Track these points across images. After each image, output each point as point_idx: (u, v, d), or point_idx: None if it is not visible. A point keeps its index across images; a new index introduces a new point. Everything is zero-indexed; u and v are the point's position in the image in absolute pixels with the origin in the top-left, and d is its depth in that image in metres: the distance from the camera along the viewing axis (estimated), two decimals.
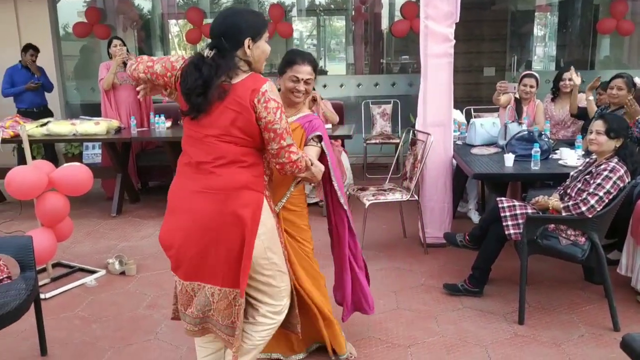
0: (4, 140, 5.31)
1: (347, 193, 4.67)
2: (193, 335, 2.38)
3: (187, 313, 2.30)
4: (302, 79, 2.55)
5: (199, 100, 2.04)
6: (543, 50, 10.02)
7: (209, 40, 2.13)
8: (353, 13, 9.36)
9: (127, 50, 5.88)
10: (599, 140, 3.18)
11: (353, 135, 5.56)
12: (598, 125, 3.20)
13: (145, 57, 2.30)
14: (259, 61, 2.16)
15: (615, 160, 3.11)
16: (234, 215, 2.10)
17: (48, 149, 6.76)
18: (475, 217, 5.05)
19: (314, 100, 2.79)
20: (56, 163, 5.86)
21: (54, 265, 4.11)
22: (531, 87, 4.97)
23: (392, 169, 5.07)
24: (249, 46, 2.09)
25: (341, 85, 8.41)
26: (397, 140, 6.79)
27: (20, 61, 6.50)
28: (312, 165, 2.30)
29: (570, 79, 5.04)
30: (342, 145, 6.17)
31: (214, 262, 2.16)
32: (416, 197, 4.33)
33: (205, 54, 2.07)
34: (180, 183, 2.20)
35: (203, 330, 2.33)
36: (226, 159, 2.09)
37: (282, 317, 2.36)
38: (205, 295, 2.22)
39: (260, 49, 2.13)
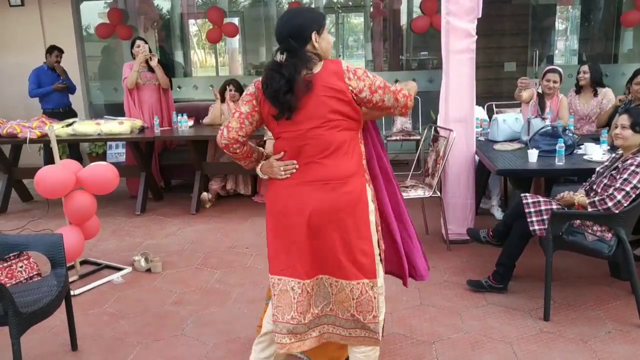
0: (31, 141, 5.42)
1: None
2: (298, 349, 2.29)
3: (306, 319, 2.25)
4: None
5: (287, 98, 2.10)
6: (565, 44, 9.90)
7: (277, 47, 2.22)
8: (372, 10, 9.35)
9: (150, 50, 5.97)
10: (624, 134, 3.14)
11: None
12: (623, 119, 3.16)
13: (223, 132, 2.26)
14: (326, 51, 2.23)
15: None
16: (346, 201, 2.17)
17: (73, 148, 6.88)
18: (498, 214, 5.03)
19: None
20: (81, 162, 5.99)
21: (82, 263, 4.20)
22: (554, 82, 4.92)
23: (413, 165, 5.06)
24: (316, 40, 2.17)
25: None
26: (418, 137, 6.77)
27: (45, 62, 6.61)
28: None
29: (585, 72, 5.01)
30: None
31: (336, 253, 2.20)
32: (438, 194, 4.32)
33: (278, 59, 2.15)
34: (286, 184, 2.23)
35: (312, 340, 2.29)
36: (332, 147, 2.16)
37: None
38: (325, 286, 2.26)
39: (325, 40, 2.22)
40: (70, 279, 3.87)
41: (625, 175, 3.03)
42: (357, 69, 2.17)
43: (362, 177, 2.25)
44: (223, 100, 5.99)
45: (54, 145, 3.93)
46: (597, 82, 5.06)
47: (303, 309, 2.23)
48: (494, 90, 8.24)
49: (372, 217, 2.27)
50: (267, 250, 2.30)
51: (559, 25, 9.72)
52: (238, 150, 2.30)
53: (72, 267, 4.02)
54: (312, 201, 2.17)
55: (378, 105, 2.21)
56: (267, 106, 2.18)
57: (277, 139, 2.27)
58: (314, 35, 2.17)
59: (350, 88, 2.14)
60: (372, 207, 2.27)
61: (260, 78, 2.20)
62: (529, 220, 3.30)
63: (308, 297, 2.24)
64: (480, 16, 4.14)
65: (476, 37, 4.16)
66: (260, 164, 2.37)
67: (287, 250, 2.22)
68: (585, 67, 5.07)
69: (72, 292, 3.59)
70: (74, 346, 3.04)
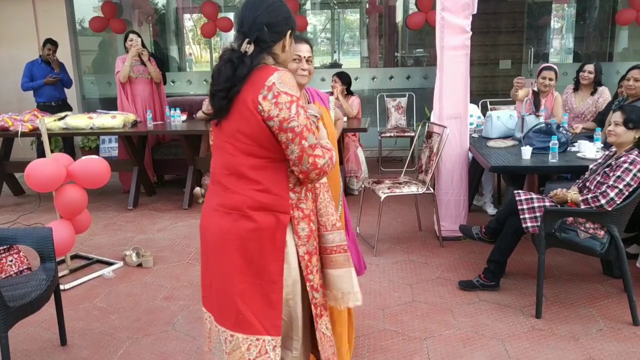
0: (23, 134, 5.38)
1: (363, 186, 4.67)
2: None
3: None
4: (304, 57, 2.33)
5: (222, 103, 1.77)
6: (560, 42, 9.90)
7: (233, 33, 1.96)
8: (367, 6, 9.32)
9: (143, 44, 5.93)
10: (617, 131, 3.14)
11: (368, 129, 5.55)
12: (616, 116, 3.16)
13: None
14: (288, 60, 1.91)
15: (636, 152, 3.07)
16: (252, 236, 1.81)
17: (66, 142, 6.84)
18: (491, 210, 5.03)
19: None
20: (73, 156, 5.95)
21: (72, 257, 4.17)
22: (550, 79, 4.91)
23: (407, 162, 5.05)
24: (287, 41, 1.85)
25: (356, 79, 8.38)
26: (412, 134, 6.76)
27: (40, 56, 6.57)
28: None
29: (590, 72, 4.98)
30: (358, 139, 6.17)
31: (223, 295, 1.87)
32: (432, 190, 4.31)
33: (243, 49, 1.76)
34: (206, 199, 1.98)
35: None
36: (237, 171, 1.80)
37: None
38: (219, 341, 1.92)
39: (292, 47, 1.91)
40: (61, 273, 3.86)
41: (618, 173, 3.02)
42: (284, 93, 1.71)
43: (280, 217, 1.83)
44: None
45: (45, 139, 3.89)
46: (597, 82, 5.06)
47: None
48: (489, 88, 8.26)
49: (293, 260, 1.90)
50: None
51: (555, 23, 9.71)
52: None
53: (63, 261, 3.99)
54: (213, 227, 1.88)
55: (285, 148, 1.76)
56: None
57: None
58: (289, 34, 1.85)
59: (260, 108, 1.71)
60: (292, 258, 1.89)
61: (223, 54, 1.84)
62: (521, 217, 3.29)
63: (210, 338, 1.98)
64: (475, 12, 4.12)
65: (471, 33, 4.15)
66: None
67: (203, 276, 2.02)
68: (591, 67, 5.01)
69: (62, 287, 3.57)
70: (63, 341, 3.01)
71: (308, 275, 1.93)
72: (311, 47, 2.42)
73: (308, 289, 1.94)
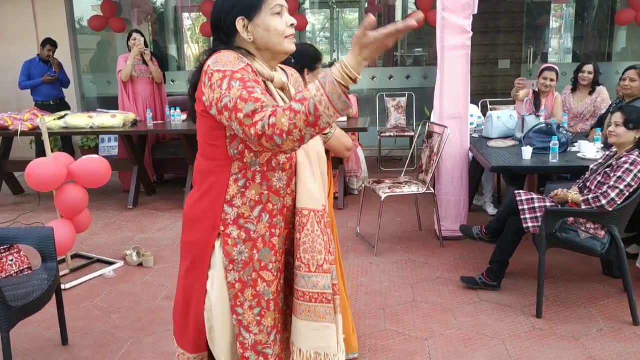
0: (23, 133, 5.37)
1: (363, 186, 4.67)
2: None
3: None
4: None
5: (191, 102, 1.65)
6: (559, 42, 9.91)
7: None
8: (366, 5, 9.32)
9: (146, 43, 5.93)
10: (617, 132, 3.15)
11: (368, 128, 5.55)
12: (616, 117, 3.17)
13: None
14: (269, 44, 1.58)
15: (637, 152, 3.08)
16: (186, 247, 1.71)
17: (65, 141, 6.83)
18: (490, 210, 5.04)
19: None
20: (73, 156, 5.94)
21: (73, 257, 4.17)
22: (551, 80, 4.92)
23: (407, 162, 5.05)
24: (245, 28, 1.57)
25: None
26: (412, 133, 6.77)
27: (38, 54, 6.56)
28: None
29: (590, 72, 4.98)
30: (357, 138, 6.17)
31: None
32: (432, 190, 4.32)
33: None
34: None
35: None
36: (192, 172, 1.71)
37: None
38: None
39: (262, 27, 1.56)
40: (62, 273, 3.85)
41: (619, 173, 3.03)
42: (216, 72, 1.48)
43: (211, 232, 1.63)
44: None
45: (46, 138, 3.89)
46: (595, 82, 5.06)
47: None
48: (488, 87, 8.25)
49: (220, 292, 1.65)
50: None
51: (554, 23, 9.72)
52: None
53: (63, 260, 3.99)
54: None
55: (230, 135, 1.57)
56: None
57: None
58: (240, 22, 1.56)
59: (205, 98, 1.52)
60: (218, 282, 1.65)
61: None
62: (522, 217, 3.30)
63: None
64: (476, 12, 4.13)
65: (472, 33, 4.15)
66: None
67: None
68: (591, 68, 5.00)
69: (63, 286, 3.56)
70: (64, 340, 3.01)
71: (236, 308, 1.63)
72: None
73: (235, 323, 1.65)
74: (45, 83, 6.49)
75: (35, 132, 5.43)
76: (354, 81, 1.37)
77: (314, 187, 1.66)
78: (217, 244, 1.62)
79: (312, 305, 1.65)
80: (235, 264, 1.61)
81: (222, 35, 1.60)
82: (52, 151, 3.92)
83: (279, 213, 1.65)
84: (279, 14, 1.58)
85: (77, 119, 5.44)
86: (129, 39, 5.94)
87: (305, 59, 2.50)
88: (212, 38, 1.64)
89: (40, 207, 5.42)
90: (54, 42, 6.54)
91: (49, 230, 2.95)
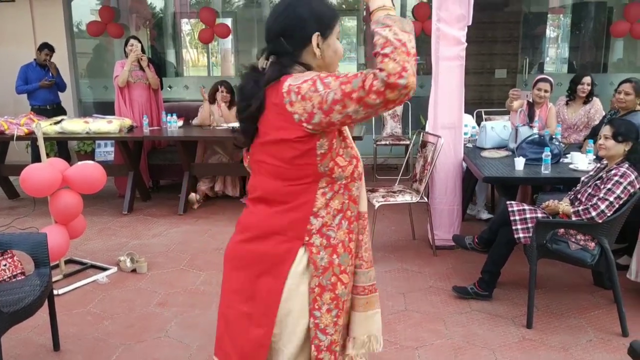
0: (19, 138, 5.39)
1: None
2: None
3: None
4: None
5: (247, 125, 1.63)
6: (556, 52, 9.98)
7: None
8: (365, 13, 9.37)
9: (143, 49, 5.96)
10: (607, 144, 3.18)
11: (363, 137, 5.57)
12: (606, 130, 3.21)
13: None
14: (331, 65, 1.64)
15: (626, 165, 3.11)
16: (259, 260, 1.67)
17: (61, 146, 6.84)
18: (485, 215, 5.08)
19: None
20: (69, 161, 5.95)
21: (67, 262, 4.17)
22: (545, 91, 4.96)
23: (402, 170, 5.08)
24: (318, 45, 1.58)
25: None
26: (407, 142, 6.79)
27: (35, 59, 6.57)
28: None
29: (589, 84, 5.00)
30: None
31: (234, 326, 1.72)
32: (426, 199, 4.34)
33: (259, 66, 1.62)
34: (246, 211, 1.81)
35: None
36: (259, 193, 1.67)
37: None
38: None
39: (332, 49, 1.62)
40: (55, 278, 3.86)
41: (609, 186, 3.06)
42: (303, 82, 1.49)
43: (295, 243, 1.64)
44: (213, 101, 5.98)
45: (41, 144, 3.90)
46: (591, 93, 5.10)
47: None
48: (484, 97, 8.29)
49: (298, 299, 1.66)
50: None
51: (551, 33, 9.79)
52: None
53: (57, 266, 3.99)
54: (229, 247, 1.75)
55: (348, 123, 1.53)
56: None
57: None
58: (315, 38, 1.58)
59: (297, 117, 1.50)
60: (302, 288, 1.65)
61: (243, 76, 1.70)
62: (513, 227, 3.32)
63: None
64: (470, 24, 4.16)
65: (466, 44, 4.19)
66: None
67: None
68: (589, 79, 5.00)
69: (56, 292, 3.58)
70: (56, 346, 3.02)
71: (314, 312, 1.65)
72: None
73: (311, 326, 1.66)
74: (43, 88, 6.50)
75: (31, 137, 5.44)
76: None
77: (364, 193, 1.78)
78: (301, 252, 1.64)
79: (368, 297, 1.80)
80: (317, 270, 1.64)
81: (286, 44, 1.57)
82: (48, 156, 3.94)
83: (355, 219, 1.72)
84: (338, 39, 1.66)
85: (73, 124, 5.45)
86: (126, 44, 5.97)
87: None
88: (271, 44, 1.60)
89: (35, 212, 5.42)
90: (51, 47, 6.56)
91: (42, 236, 2.96)
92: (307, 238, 1.63)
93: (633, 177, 3.06)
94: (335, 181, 1.63)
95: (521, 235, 3.30)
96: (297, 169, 1.58)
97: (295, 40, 1.57)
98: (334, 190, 1.63)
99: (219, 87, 5.95)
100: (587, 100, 5.08)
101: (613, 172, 3.11)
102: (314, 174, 1.59)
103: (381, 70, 1.37)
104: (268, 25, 1.61)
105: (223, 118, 5.90)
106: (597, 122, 4.87)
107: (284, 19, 1.58)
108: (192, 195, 5.71)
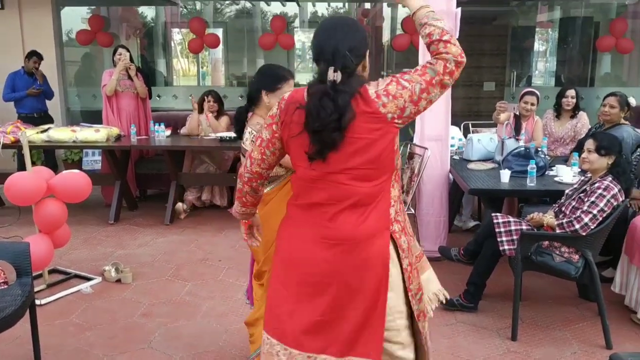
0: (5, 146, 5.34)
1: None
2: None
3: None
4: None
5: (335, 136, 1.69)
6: (543, 65, 10.09)
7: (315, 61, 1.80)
8: None
9: (131, 58, 5.95)
10: (590, 158, 3.21)
11: None
12: (589, 143, 3.24)
13: (246, 164, 1.92)
14: (366, 76, 1.85)
15: (610, 178, 3.14)
16: (363, 264, 1.78)
17: (48, 154, 6.79)
18: (471, 224, 5.10)
19: None
20: (56, 169, 5.90)
21: (50, 272, 4.12)
22: (532, 104, 5.01)
23: None
24: (367, 60, 1.84)
25: None
26: None
27: (23, 67, 6.54)
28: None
29: (573, 97, 5.07)
30: None
31: (341, 324, 1.81)
32: (412, 211, 4.35)
33: (332, 79, 1.69)
34: (294, 231, 1.88)
35: None
36: (350, 201, 1.75)
37: None
38: None
39: (367, 66, 1.86)
40: (38, 288, 3.82)
41: (592, 199, 3.09)
42: (387, 84, 1.71)
43: (385, 235, 1.79)
44: (202, 110, 5.98)
45: (26, 152, 3.87)
46: (577, 107, 5.16)
47: None
48: (472, 109, 8.36)
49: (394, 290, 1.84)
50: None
51: (538, 47, 9.91)
52: (260, 189, 1.99)
53: (40, 275, 3.95)
54: (319, 259, 1.80)
55: (427, 108, 1.75)
56: (288, 130, 1.79)
57: (297, 176, 1.87)
58: (367, 54, 1.81)
59: (390, 116, 1.70)
60: (394, 270, 1.82)
61: (285, 96, 1.83)
62: (499, 240, 3.33)
63: None
64: (457, 37, 4.19)
65: None
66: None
67: (284, 307, 1.86)
68: (573, 92, 5.09)
69: (38, 302, 3.54)
70: (37, 357, 2.95)
71: (410, 286, 1.86)
72: None
73: (410, 299, 1.87)
74: (30, 96, 6.47)
75: (17, 145, 5.40)
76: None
77: None
78: (390, 242, 1.81)
79: (420, 262, 2.08)
80: (404, 252, 1.84)
81: (353, 59, 1.74)
82: (35, 164, 3.91)
83: (402, 203, 1.94)
84: None
85: (60, 133, 5.42)
86: (114, 54, 5.96)
87: (264, 80, 2.51)
88: (341, 59, 1.72)
89: (20, 220, 5.36)
90: (39, 55, 6.53)
91: (24, 245, 2.93)
92: (391, 227, 1.81)
93: (616, 190, 3.09)
94: (397, 170, 1.84)
95: (506, 247, 3.32)
96: (382, 167, 1.76)
97: (357, 56, 1.76)
98: (395, 180, 1.84)
99: (207, 96, 5.95)
100: (574, 114, 5.14)
101: (597, 185, 3.13)
102: (392, 168, 1.79)
103: (447, 53, 1.69)
104: (335, 42, 1.73)
105: (211, 128, 5.89)
106: (583, 136, 4.92)
107: (353, 36, 1.76)
108: (179, 205, 5.68)
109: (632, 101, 4.42)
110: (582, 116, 5.14)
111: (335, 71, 1.69)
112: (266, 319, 1.92)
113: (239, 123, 2.61)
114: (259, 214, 2.25)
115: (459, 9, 4.16)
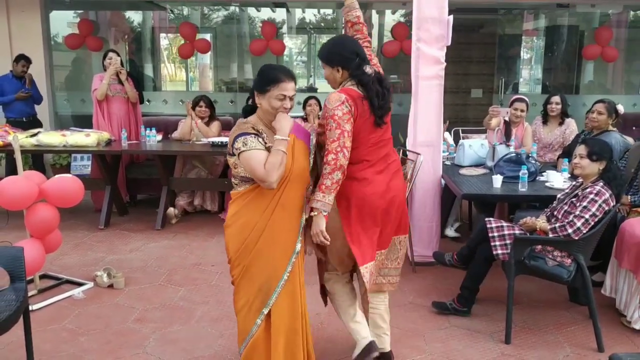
0: None
1: None
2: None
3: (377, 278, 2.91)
4: (289, 96, 2.44)
5: (389, 105, 2.65)
6: (530, 73, 10.22)
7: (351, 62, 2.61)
8: (343, 31, 9.47)
9: (122, 63, 5.93)
10: (582, 163, 3.27)
11: None
12: (580, 149, 3.30)
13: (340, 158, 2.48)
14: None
15: (601, 183, 3.19)
16: (403, 186, 2.82)
17: (37, 159, 6.73)
18: (452, 234, 5.13)
19: None
20: (43, 174, 5.84)
21: (41, 277, 4.08)
22: (522, 111, 5.10)
23: None
24: None
25: None
26: None
27: (11, 70, 6.48)
28: None
29: (557, 103, 5.16)
30: None
31: (401, 219, 2.78)
32: None
33: (370, 72, 2.60)
34: (370, 182, 2.60)
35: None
36: (395, 156, 2.76)
37: None
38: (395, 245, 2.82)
39: None
40: (30, 294, 3.75)
41: (584, 203, 3.14)
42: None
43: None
44: None
45: (18, 156, 3.84)
46: (564, 113, 5.24)
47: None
48: (460, 116, 8.43)
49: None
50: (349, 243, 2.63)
51: (525, 54, 10.03)
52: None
53: (31, 281, 3.90)
54: (393, 188, 2.66)
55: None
56: (362, 117, 2.52)
57: (355, 148, 2.53)
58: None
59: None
60: None
61: (342, 98, 2.47)
62: (492, 244, 3.37)
63: (377, 264, 2.79)
64: (449, 44, 4.25)
65: (445, 64, 4.27)
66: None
67: (369, 240, 2.67)
68: (557, 98, 5.20)
69: (30, 307, 3.48)
70: None
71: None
72: (295, 82, 2.55)
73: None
74: (19, 100, 6.41)
75: (6, 149, 5.35)
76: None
77: None
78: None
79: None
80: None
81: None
82: (23, 169, 3.87)
83: None
84: None
85: (50, 137, 5.38)
86: (104, 58, 5.93)
87: (257, 80, 2.48)
88: (362, 63, 2.63)
89: (9, 225, 5.30)
90: (28, 58, 6.48)
91: (18, 250, 2.90)
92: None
93: (607, 195, 3.15)
94: None
95: (499, 251, 3.35)
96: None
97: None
98: None
99: (198, 102, 5.93)
100: (562, 120, 5.21)
101: (588, 190, 3.19)
102: None
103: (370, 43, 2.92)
104: (360, 50, 2.65)
105: (202, 133, 5.87)
106: (570, 143, 4.99)
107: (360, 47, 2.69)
108: (170, 209, 5.66)
109: (620, 108, 4.50)
110: (571, 123, 5.23)
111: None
112: (363, 257, 2.66)
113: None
114: (234, 211, 2.50)
115: (451, 16, 4.21)
